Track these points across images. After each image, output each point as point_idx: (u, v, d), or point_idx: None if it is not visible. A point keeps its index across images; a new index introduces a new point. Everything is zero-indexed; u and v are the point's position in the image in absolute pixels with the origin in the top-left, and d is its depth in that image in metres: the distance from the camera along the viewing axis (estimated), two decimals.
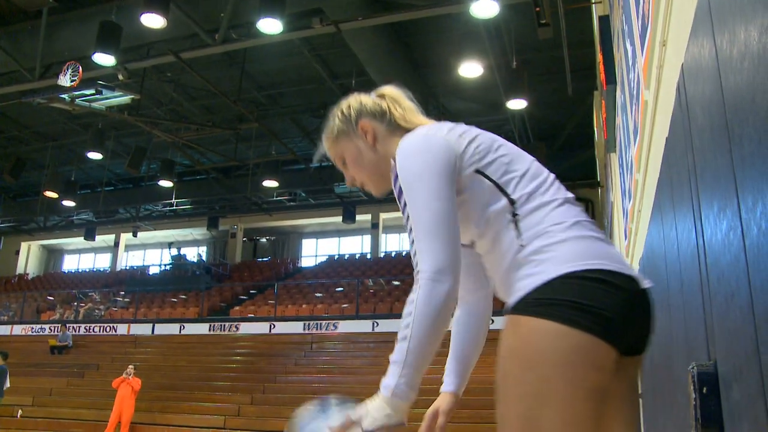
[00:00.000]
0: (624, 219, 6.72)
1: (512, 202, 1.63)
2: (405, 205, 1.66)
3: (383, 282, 22.27)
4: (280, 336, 19.65)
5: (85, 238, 28.88)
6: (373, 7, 12.42)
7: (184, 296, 24.21)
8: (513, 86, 13.41)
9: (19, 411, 16.25)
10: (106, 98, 14.33)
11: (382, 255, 26.75)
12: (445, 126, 1.76)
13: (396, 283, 22.08)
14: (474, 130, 1.75)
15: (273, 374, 17.11)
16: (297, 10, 12.04)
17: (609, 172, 10.86)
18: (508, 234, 1.62)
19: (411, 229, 1.63)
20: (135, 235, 28.95)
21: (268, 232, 29.11)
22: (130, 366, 14.90)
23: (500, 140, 1.75)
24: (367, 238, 27.67)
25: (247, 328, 20.33)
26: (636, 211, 4.71)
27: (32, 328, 23.38)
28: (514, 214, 1.62)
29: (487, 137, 1.73)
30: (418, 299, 1.55)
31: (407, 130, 1.83)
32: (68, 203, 24.23)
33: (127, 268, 30.86)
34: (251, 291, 24.18)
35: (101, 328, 22.27)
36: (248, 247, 29.65)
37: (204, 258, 28.71)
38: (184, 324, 21.35)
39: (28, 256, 32.98)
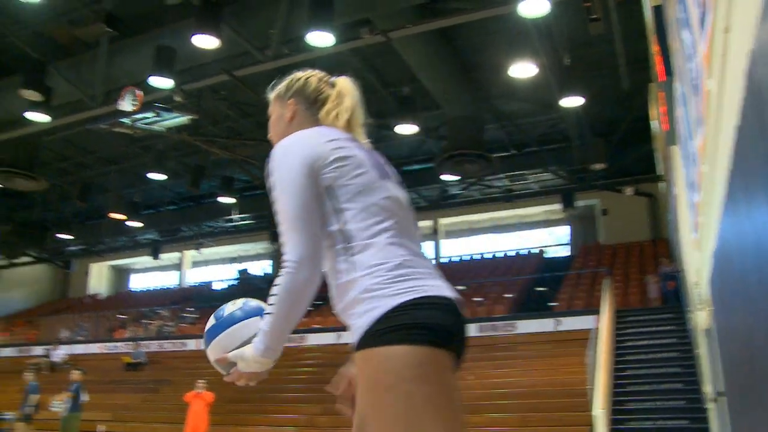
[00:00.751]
0: (691, 212, 6.56)
1: (344, 232, 1.86)
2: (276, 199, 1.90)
3: None
4: (346, 345, 19.65)
5: (153, 257, 29.59)
6: (421, 14, 12.41)
7: None
8: (567, 84, 13.26)
9: (103, 427, 16.66)
10: (165, 120, 14.65)
11: (444, 260, 26.64)
12: (328, 135, 1.97)
13: (460, 288, 21.96)
14: (350, 151, 1.93)
15: None
16: (345, 21, 12.11)
17: (671, 165, 10.62)
18: (341, 264, 1.86)
19: (280, 222, 1.86)
20: (199, 252, 29.48)
21: None
22: (200, 381, 15.14)
23: (365, 169, 1.92)
24: (427, 245, 27.61)
25: (313, 338, 20.45)
26: (704, 203, 4.59)
27: (107, 346, 24.01)
28: (347, 247, 1.85)
29: (355, 162, 1.91)
30: (281, 285, 1.80)
31: (318, 125, 2.08)
32: (134, 224, 24.88)
33: (194, 284, 31.42)
34: (316, 302, 24.30)
35: (172, 345, 22.72)
36: None
37: (268, 272, 29.01)
38: None
39: (98, 277, 33.94)
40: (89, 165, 22.06)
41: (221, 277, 31.22)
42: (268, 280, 27.11)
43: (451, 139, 16.48)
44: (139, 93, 13.02)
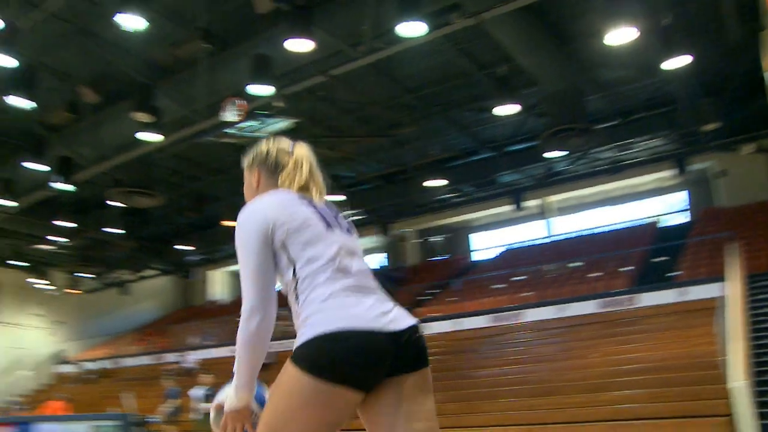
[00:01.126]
0: None
1: (296, 278, 2.31)
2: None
3: (562, 266, 21.74)
4: (466, 332, 19.67)
5: None
6: None
7: None
8: (670, 44, 12.75)
9: None
10: (268, 126, 15.00)
11: (556, 239, 26.17)
12: (280, 200, 2.41)
13: (577, 264, 21.47)
14: (297, 212, 2.37)
15: (465, 370, 17.13)
16: (434, 8, 12.04)
17: None
18: (294, 302, 2.33)
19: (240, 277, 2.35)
20: None
21: (438, 230, 29.31)
22: None
23: (309, 224, 2.36)
24: (537, 224, 27.17)
25: (433, 327, 20.52)
26: None
27: (233, 349, 24.81)
28: (297, 288, 2.30)
29: (300, 221, 2.35)
30: (239, 331, 2.30)
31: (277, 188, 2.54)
32: None
33: None
34: (431, 291, 24.39)
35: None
36: (421, 248, 29.95)
37: (382, 264, 29.29)
38: None
39: (217, 284, 35.29)
40: (200, 177, 22.86)
41: None
42: (383, 274, 27.44)
43: (553, 114, 16.14)
44: (241, 103, 13.40)
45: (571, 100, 15.62)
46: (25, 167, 17.81)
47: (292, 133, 16.47)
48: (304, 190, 2.53)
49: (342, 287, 2.27)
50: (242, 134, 15.03)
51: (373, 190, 24.20)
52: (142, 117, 14.68)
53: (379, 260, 29.91)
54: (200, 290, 34.87)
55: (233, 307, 31.41)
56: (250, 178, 2.68)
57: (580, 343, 16.54)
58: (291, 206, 2.39)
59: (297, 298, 2.30)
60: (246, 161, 2.70)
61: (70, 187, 18.32)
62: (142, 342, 30.62)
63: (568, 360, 15.69)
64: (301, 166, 2.57)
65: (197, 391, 14.07)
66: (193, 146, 17.98)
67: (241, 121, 14.02)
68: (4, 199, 19.60)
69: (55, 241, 26.15)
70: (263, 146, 2.67)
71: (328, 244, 2.35)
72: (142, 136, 15.61)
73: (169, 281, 35.36)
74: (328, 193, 2.62)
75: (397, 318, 2.29)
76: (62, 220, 23.62)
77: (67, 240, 26.09)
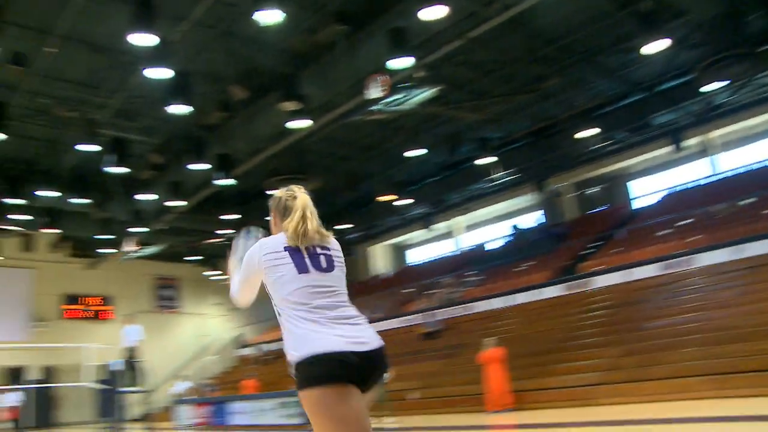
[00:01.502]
0: None
1: (278, 309, 2.94)
2: None
3: (732, 205, 20.38)
4: (636, 282, 18.96)
5: (426, 229, 30.61)
6: None
7: (532, 262, 24.44)
8: None
9: (417, 394, 17.65)
10: (413, 97, 15.08)
11: (723, 176, 24.58)
12: (270, 246, 3.03)
13: (749, 201, 20.07)
14: (278, 259, 2.97)
15: (639, 322, 16.54)
16: None
17: None
18: (281, 326, 2.93)
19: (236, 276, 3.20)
20: (467, 216, 30.00)
21: (595, 181, 28.38)
22: (490, 339, 15.56)
23: (288, 268, 2.95)
24: (700, 163, 25.64)
25: (601, 281, 19.99)
26: None
27: (401, 320, 25.38)
28: (280, 317, 2.93)
29: (279, 265, 2.96)
30: (231, 287, 3.24)
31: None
32: (403, 202, 26.05)
33: (470, 248, 32.06)
34: (594, 244, 23.71)
35: (463, 309, 23.45)
36: (579, 201, 29.12)
37: (540, 222, 28.79)
38: (539, 289, 21.64)
39: (378, 258, 36.03)
40: (351, 156, 23.37)
41: (495, 236, 31.48)
42: (541, 230, 27.01)
43: (709, 43, 15.11)
44: (384, 78, 13.53)
45: (728, 23, 14.53)
46: (190, 168, 18.95)
47: (436, 101, 16.55)
48: (294, 234, 3.04)
49: (311, 324, 2.81)
50: (388, 109, 15.21)
51: (523, 147, 23.74)
52: (290, 106, 15.18)
53: (536, 218, 29.41)
54: (363, 266, 35.74)
55: (396, 280, 32.03)
56: (271, 219, 3.27)
57: (764, 284, 15.50)
58: (274, 251, 3.00)
59: (281, 325, 2.90)
60: (270, 204, 3.29)
61: (231, 182, 19.30)
62: None
63: (752, 304, 14.75)
64: (297, 213, 3.10)
65: None
66: (342, 127, 18.39)
67: (386, 97, 14.17)
68: (175, 200, 20.97)
69: (223, 233, 27.68)
70: (278, 193, 3.28)
71: (299, 288, 2.90)
72: (291, 124, 16.16)
73: None
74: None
75: (365, 341, 2.81)
76: (227, 214, 25.02)
77: (234, 231, 27.52)
